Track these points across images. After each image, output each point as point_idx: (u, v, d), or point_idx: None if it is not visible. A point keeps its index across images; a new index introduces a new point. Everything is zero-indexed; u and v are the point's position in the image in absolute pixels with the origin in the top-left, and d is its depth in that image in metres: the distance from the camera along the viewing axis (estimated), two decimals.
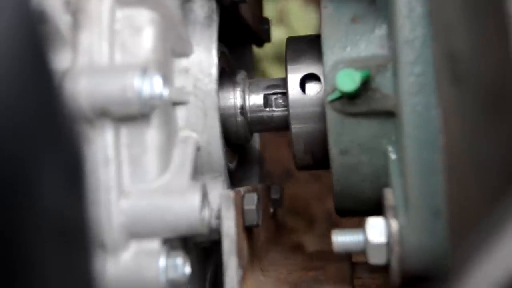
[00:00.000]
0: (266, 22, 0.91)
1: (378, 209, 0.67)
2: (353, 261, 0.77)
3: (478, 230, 0.49)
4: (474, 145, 0.52)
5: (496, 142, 0.45)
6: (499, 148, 0.45)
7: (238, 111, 0.73)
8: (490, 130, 0.47)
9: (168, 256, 0.61)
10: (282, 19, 1.33)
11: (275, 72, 1.31)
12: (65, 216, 0.46)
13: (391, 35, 0.65)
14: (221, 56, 0.75)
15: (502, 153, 0.44)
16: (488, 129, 0.47)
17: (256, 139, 0.86)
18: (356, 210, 0.73)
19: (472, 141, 0.52)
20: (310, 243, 1.14)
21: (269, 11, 1.30)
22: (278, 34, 1.28)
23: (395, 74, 0.64)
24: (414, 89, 0.62)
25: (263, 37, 0.90)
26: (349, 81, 0.63)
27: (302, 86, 0.72)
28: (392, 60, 0.65)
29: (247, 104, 0.74)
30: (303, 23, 1.31)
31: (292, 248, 1.09)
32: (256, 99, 0.74)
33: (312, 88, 0.72)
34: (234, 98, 0.73)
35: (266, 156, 1.14)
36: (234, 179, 0.79)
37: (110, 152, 0.60)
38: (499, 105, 0.44)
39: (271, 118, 0.75)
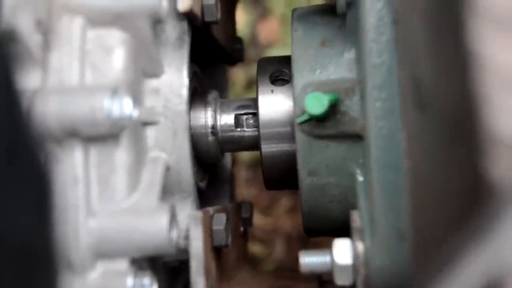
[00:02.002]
0: (239, 41, 0.92)
1: (346, 230, 0.68)
2: (322, 279, 0.78)
3: (440, 254, 0.50)
4: (436, 171, 0.53)
5: (454, 170, 0.47)
6: (457, 176, 0.46)
7: (209, 130, 0.74)
8: (450, 158, 0.48)
9: (135, 276, 0.61)
10: None
11: None
12: (29, 239, 0.47)
13: (359, 59, 0.66)
14: (193, 76, 0.76)
15: (459, 182, 0.45)
16: (448, 157, 0.48)
17: (228, 158, 0.87)
18: (325, 230, 0.74)
19: (434, 167, 0.54)
20: None
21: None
22: None
23: (363, 98, 0.65)
24: (380, 113, 0.64)
25: (236, 57, 0.91)
26: (317, 104, 0.64)
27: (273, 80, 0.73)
28: (360, 84, 0.66)
29: (218, 123, 0.75)
30: None
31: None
32: (227, 119, 0.75)
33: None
34: (205, 117, 0.74)
35: None
36: (204, 198, 0.79)
37: (79, 172, 0.60)
38: (458, 135, 0.45)
39: (242, 138, 0.75)
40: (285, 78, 0.74)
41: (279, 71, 0.75)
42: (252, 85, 1.23)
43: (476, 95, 0.39)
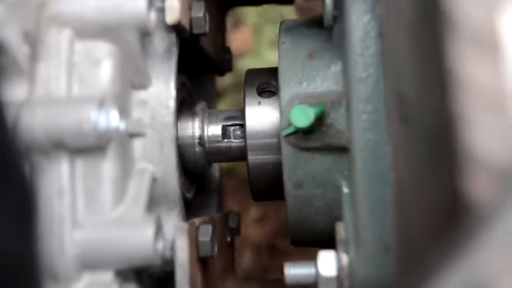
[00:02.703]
0: (228, 52, 0.92)
1: (333, 241, 0.68)
2: None
3: (422, 267, 0.51)
4: (418, 184, 0.53)
5: (435, 185, 0.47)
6: (437, 190, 0.46)
7: (197, 141, 0.74)
8: (431, 172, 0.48)
9: (121, 287, 0.61)
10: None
11: None
12: (13, 250, 0.47)
13: (346, 72, 0.67)
14: (181, 86, 0.76)
15: (439, 196, 0.46)
16: (429, 171, 0.49)
17: (216, 168, 0.87)
18: (311, 242, 0.74)
19: (416, 180, 0.54)
20: None
21: (267, 33, 1.31)
22: (274, 58, 1.30)
23: (349, 111, 0.66)
24: (366, 126, 0.64)
25: (225, 67, 0.91)
26: (303, 117, 0.65)
27: (260, 92, 0.74)
28: (346, 97, 0.67)
29: (205, 134, 0.75)
30: None
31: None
32: (214, 129, 0.76)
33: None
34: (192, 128, 0.74)
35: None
36: (192, 208, 0.80)
37: (65, 183, 0.61)
38: (438, 151, 0.45)
39: (229, 149, 0.76)
40: (273, 89, 0.75)
41: (266, 83, 0.76)
42: (223, 94, 1.24)
43: (455, 113, 0.40)
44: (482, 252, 0.37)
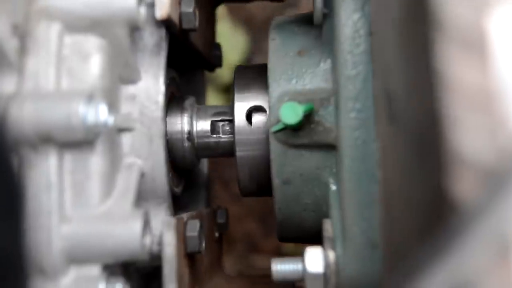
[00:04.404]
0: (218, 48, 0.92)
1: (320, 237, 0.69)
2: (296, 285, 0.79)
3: (407, 264, 0.51)
4: (406, 183, 0.54)
5: (421, 184, 0.48)
6: (423, 189, 0.47)
7: (185, 136, 0.74)
8: (417, 171, 0.49)
9: (108, 281, 0.61)
10: None
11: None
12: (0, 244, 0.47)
13: (335, 69, 0.67)
14: (171, 81, 0.76)
15: (425, 195, 0.46)
16: (415, 170, 0.49)
17: (204, 163, 0.87)
18: (299, 238, 0.75)
19: (404, 179, 0.54)
20: (229, 264, 1.15)
21: None
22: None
23: (337, 108, 0.66)
24: (354, 124, 0.64)
25: (214, 63, 0.91)
26: (292, 114, 0.65)
27: (249, 116, 0.73)
28: (335, 94, 0.67)
29: (194, 130, 0.75)
30: (231, 45, 1.32)
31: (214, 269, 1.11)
32: (203, 125, 0.76)
33: (258, 118, 0.73)
34: (181, 123, 0.75)
35: None
36: (180, 202, 0.80)
37: (53, 177, 0.60)
38: (424, 150, 0.46)
39: (217, 144, 0.76)
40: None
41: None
42: None
43: (441, 113, 0.40)
44: (466, 251, 0.37)
